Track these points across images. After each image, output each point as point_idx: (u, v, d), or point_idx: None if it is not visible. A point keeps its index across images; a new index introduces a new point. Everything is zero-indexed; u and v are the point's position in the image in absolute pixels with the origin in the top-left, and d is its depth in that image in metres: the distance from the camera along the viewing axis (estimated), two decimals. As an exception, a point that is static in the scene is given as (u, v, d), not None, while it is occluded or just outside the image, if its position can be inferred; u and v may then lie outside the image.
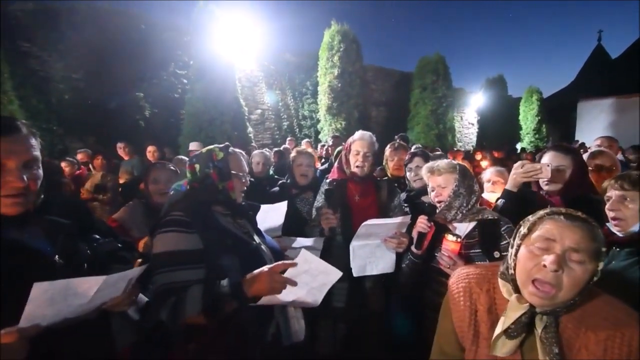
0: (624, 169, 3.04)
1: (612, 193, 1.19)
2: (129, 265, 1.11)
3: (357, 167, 1.87)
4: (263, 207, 1.91)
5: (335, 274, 1.13)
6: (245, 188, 1.30)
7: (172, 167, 1.98)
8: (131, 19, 7.06)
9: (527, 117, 15.16)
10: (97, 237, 1.08)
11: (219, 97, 6.57)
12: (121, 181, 3.97)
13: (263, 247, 1.27)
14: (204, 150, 1.26)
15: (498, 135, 13.58)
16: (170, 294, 1.02)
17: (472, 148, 13.40)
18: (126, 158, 4.74)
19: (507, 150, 8.01)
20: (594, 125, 14.54)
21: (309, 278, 1.10)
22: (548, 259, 0.77)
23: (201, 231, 1.08)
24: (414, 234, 1.47)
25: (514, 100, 15.43)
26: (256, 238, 1.28)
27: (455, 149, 9.40)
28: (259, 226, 1.87)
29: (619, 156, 5.66)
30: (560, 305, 0.79)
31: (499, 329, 0.82)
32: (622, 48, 16.34)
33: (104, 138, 4.87)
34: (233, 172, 1.23)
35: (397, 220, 1.58)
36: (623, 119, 13.87)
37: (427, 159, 1.97)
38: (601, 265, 0.76)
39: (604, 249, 0.77)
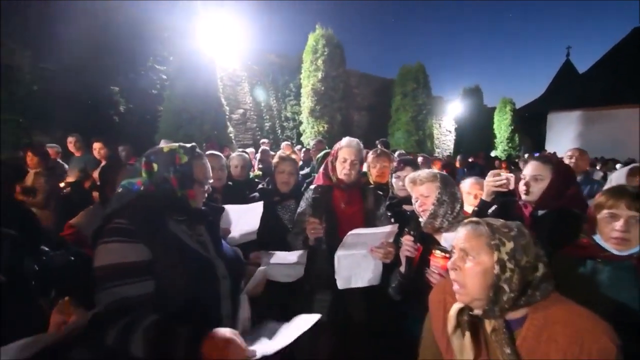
0: (595, 181, 3.17)
1: (622, 212, 1.15)
2: (83, 282, 0.97)
3: (344, 174, 1.81)
4: (236, 208, 1.78)
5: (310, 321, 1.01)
6: (207, 195, 1.18)
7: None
8: (107, 10, 6.70)
9: (501, 127, 15.82)
10: (46, 249, 0.94)
11: (199, 95, 6.37)
12: (70, 180, 3.59)
13: (218, 261, 1.12)
14: (165, 148, 1.10)
15: (474, 143, 14.06)
16: (122, 313, 0.89)
17: (449, 155, 13.80)
18: (77, 154, 4.25)
19: (484, 158, 8.25)
20: (562, 136, 15.38)
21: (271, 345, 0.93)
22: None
23: (148, 241, 0.96)
24: (402, 257, 1.44)
25: (489, 110, 16.05)
26: (211, 249, 1.14)
27: (434, 155, 9.62)
28: (232, 229, 1.75)
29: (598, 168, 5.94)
30: (490, 306, 0.83)
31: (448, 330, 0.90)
32: (589, 63, 17.40)
33: (75, 132, 4.46)
34: (196, 179, 1.10)
35: (386, 229, 1.54)
36: (590, 130, 14.72)
37: (416, 169, 1.92)
38: (496, 255, 0.82)
39: (493, 242, 0.83)
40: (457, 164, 6.22)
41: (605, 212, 1.19)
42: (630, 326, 0.96)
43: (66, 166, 4.04)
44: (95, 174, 3.62)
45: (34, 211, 2.93)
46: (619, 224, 1.15)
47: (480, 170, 6.20)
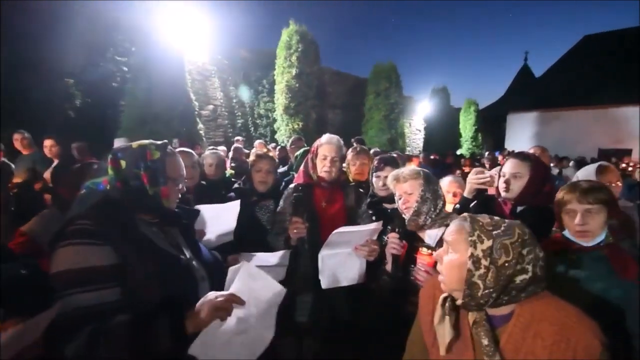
0: (555, 177, 3.38)
1: (577, 207, 1.23)
2: (37, 299, 0.85)
3: (324, 172, 1.77)
4: (211, 208, 1.69)
5: (280, 292, 1.01)
6: (180, 195, 1.11)
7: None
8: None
9: (466, 126, 16.64)
10: None
11: (165, 89, 6.01)
12: (17, 180, 3.22)
13: (195, 263, 1.07)
14: (134, 144, 1.03)
15: (442, 142, 14.62)
16: (81, 322, 0.80)
17: (419, 152, 14.25)
18: (25, 152, 3.83)
19: (453, 156, 8.59)
20: (521, 136, 16.45)
21: (256, 300, 0.95)
22: None
23: (115, 243, 0.88)
24: (388, 255, 1.43)
25: (455, 110, 16.79)
26: (187, 252, 1.08)
27: (405, 153, 9.87)
28: (207, 230, 1.67)
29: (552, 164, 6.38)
30: (466, 299, 0.84)
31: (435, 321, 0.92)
32: (545, 67, 18.70)
33: (25, 129, 4.01)
34: (169, 176, 1.03)
35: (370, 227, 1.51)
36: (546, 130, 15.88)
37: (397, 168, 1.91)
38: (471, 251, 0.82)
39: (471, 238, 0.84)
40: (421, 162, 6.39)
41: (564, 208, 1.28)
42: (607, 316, 1.01)
43: (12, 166, 3.64)
44: (47, 175, 3.29)
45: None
46: (577, 219, 1.22)
47: (446, 167, 6.46)
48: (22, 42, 5.51)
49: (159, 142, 1.06)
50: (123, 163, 0.99)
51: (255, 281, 0.97)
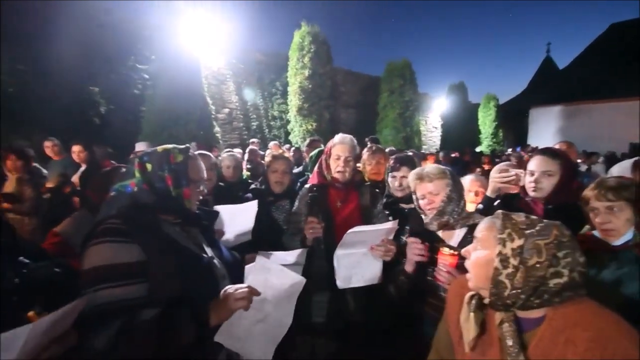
0: (583, 174, 3.22)
1: (597, 204, 1.19)
2: (71, 296, 0.90)
3: (338, 172, 1.77)
4: (230, 208, 1.74)
5: (299, 282, 1.07)
6: (202, 197, 1.16)
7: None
8: (86, 8, 6.43)
9: (485, 122, 16.15)
10: (26, 260, 0.86)
11: (183, 94, 6.19)
12: (50, 185, 3.39)
13: (216, 261, 1.13)
14: (159, 148, 1.10)
15: (460, 139, 14.28)
16: (111, 315, 0.85)
17: (435, 150, 13.98)
18: (56, 158, 4.02)
19: (471, 154, 8.37)
20: (545, 131, 15.81)
21: (271, 290, 1.03)
22: None
23: (142, 242, 0.93)
24: (409, 258, 1.39)
25: (473, 106, 16.33)
26: (208, 251, 1.14)
27: (421, 151, 9.71)
28: (225, 229, 1.73)
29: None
30: (493, 298, 0.81)
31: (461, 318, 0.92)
32: (569, 59, 17.89)
33: (54, 136, 4.24)
34: (191, 178, 1.08)
35: (386, 226, 1.49)
36: (571, 124, 15.18)
37: (414, 168, 1.86)
38: (499, 249, 0.80)
39: (500, 236, 0.81)
40: (441, 160, 6.27)
41: (588, 206, 1.25)
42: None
43: (44, 171, 3.86)
44: (75, 178, 3.46)
45: (12, 219, 2.78)
46: (599, 217, 1.19)
47: (464, 165, 6.30)
48: (50, 52, 5.82)
49: (181, 146, 1.11)
50: (149, 166, 1.04)
51: (270, 272, 1.04)
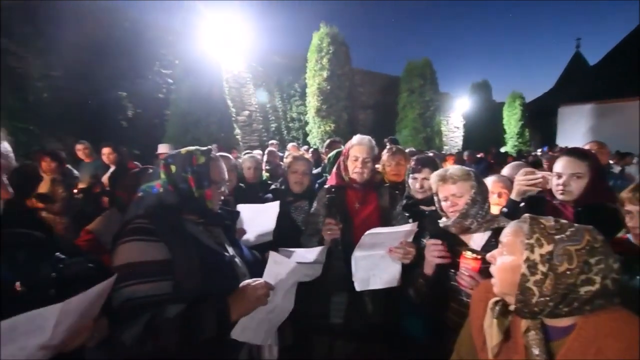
0: (616, 175, 3.05)
1: (632, 208, 1.15)
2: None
3: (356, 173, 1.77)
4: (251, 207, 1.77)
5: (298, 269, 1.15)
6: (223, 198, 1.20)
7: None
8: (113, 16, 6.78)
9: (511, 122, 15.57)
10: (62, 256, 0.92)
11: (205, 97, 6.40)
12: (82, 186, 3.61)
13: (237, 260, 1.16)
14: (182, 151, 1.13)
15: (483, 139, 13.85)
16: (139, 311, 0.89)
17: (457, 151, 13.62)
18: (87, 160, 4.29)
19: (494, 155, 8.10)
20: (574, 130, 15.02)
21: (281, 282, 1.10)
22: None
23: (168, 240, 0.97)
24: (428, 261, 1.36)
25: (497, 105, 15.79)
26: (230, 250, 1.17)
27: (442, 152, 9.50)
28: (246, 229, 1.76)
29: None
30: (519, 305, 0.79)
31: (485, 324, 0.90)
32: (600, 55, 16.94)
33: (84, 139, 4.50)
34: (213, 179, 1.12)
35: (404, 228, 1.47)
36: (603, 124, 14.35)
37: (436, 170, 1.82)
38: (526, 254, 0.77)
39: (528, 241, 0.78)
40: (465, 159, 6.11)
41: (623, 209, 1.21)
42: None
43: (75, 172, 4.10)
44: (104, 179, 3.65)
45: (47, 218, 2.96)
46: (633, 221, 1.16)
47: (488, 166, 6.09)
48: (81, 60, 6.15)
49: (203, 148, 1.15)
50: (173, 168, 1.08)
51: (280, 267, 1.11)
